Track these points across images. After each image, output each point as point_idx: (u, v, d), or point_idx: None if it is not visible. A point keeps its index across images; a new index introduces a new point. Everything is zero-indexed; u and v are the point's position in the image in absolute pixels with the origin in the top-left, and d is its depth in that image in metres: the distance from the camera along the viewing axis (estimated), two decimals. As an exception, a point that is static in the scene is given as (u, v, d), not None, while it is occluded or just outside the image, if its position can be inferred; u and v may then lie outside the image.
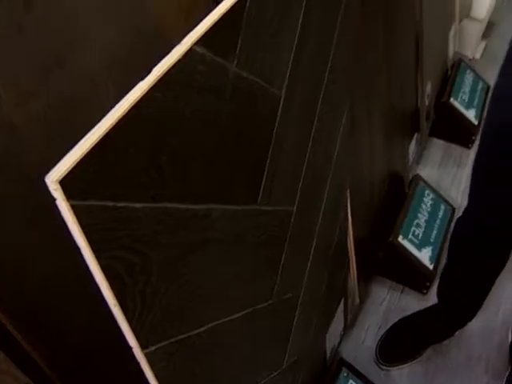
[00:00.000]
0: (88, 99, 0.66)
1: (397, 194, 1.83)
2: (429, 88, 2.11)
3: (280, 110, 0.74)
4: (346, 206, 1.25)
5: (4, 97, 0.56)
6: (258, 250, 0.79)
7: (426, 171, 2.08)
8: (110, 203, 0.45)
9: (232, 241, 0.69)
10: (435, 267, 1.70)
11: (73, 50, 0.64)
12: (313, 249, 1.03)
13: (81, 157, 0.41)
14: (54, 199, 0.40)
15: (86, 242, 0.43)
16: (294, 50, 0.73)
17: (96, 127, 0.43)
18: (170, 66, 0.50)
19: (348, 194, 1.28)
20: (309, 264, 1.03)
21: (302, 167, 0.88)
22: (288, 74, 0.74)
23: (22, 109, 0.63)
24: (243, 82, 0.64)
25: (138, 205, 0.49)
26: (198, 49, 0.54)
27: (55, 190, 0.39)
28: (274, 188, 0.78)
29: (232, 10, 0.58)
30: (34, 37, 0.58)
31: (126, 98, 0.47)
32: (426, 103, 2.10)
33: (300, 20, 0.73)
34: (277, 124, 0.74)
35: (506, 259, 1.26)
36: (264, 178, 0.75)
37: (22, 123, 0.64)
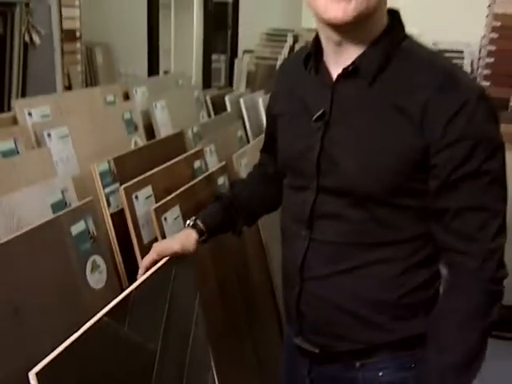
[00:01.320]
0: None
1: None
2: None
3: (157, 359, 1.22)
4: None
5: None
6: None
7: None
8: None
9: None
10: None
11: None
12: None
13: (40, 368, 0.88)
14: (31, 386, 0.85)
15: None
16: (163, 321, 1.25)
17: (48, 357, 0.90)
18: (89, 326, 1.00)
19: None
20: None
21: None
22: (161, 338, 1.24)
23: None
24: (131, 338, 1.13)
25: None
26: (105, 318, 1.04)
27: (32, 378, 0.85)
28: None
29: (121, 302, 1.11)
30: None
31: (61, 346, 0.95)
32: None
33: (166, 305, 1.27)
34: (155, 369, 1.21)
35: None
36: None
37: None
